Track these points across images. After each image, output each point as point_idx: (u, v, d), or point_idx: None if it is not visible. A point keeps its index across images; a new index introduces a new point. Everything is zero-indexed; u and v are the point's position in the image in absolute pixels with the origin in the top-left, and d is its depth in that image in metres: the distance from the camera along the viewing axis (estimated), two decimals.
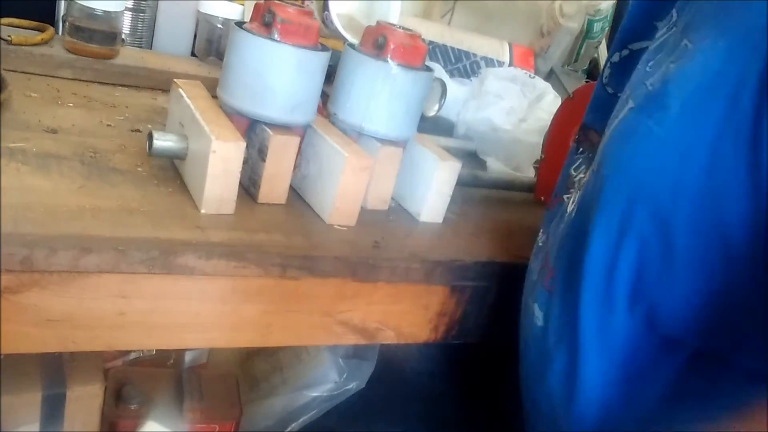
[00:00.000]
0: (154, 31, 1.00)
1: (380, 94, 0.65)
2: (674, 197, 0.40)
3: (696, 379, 0.42)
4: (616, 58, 0.58)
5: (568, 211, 0.54)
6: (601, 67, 1.30)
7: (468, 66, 1.20)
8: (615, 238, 0.43)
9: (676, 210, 0.40)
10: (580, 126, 0.62)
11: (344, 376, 0.94)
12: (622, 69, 0.56)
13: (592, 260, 0.45)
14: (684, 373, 0.43)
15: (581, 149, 0.60)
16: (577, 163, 0.59)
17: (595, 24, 1.28)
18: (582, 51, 1.32)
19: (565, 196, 0.58)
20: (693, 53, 0.41)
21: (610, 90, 0.59)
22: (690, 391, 0.42)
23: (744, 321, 0.39)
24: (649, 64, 0.46)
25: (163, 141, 0.59)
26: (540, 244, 0.59)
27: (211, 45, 1.00)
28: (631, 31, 0.57)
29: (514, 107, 1.00)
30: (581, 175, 0.57)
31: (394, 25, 0.66)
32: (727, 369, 0.40)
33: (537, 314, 0.54)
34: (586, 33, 1.29)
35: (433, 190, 0.68)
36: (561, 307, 0.50)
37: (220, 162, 0.55)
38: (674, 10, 0.48)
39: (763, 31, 0.37)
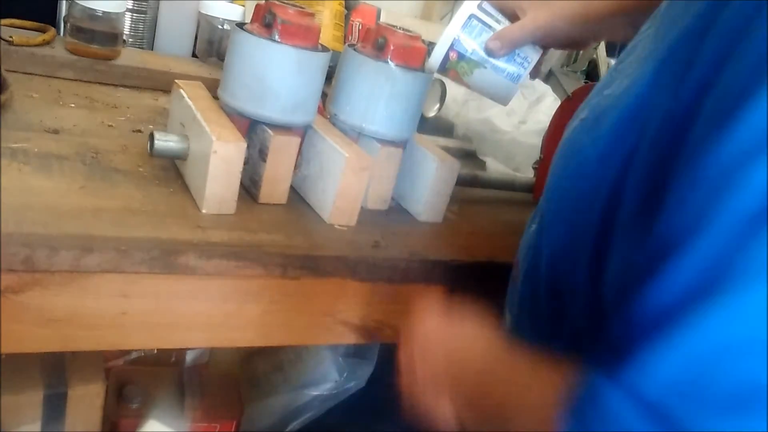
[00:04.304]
0: (155, 32, 1.00)
1: (380, 95, 0.65)
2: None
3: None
4: None
5: None
6: (600, 68, 1.31)
7: None
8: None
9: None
10: None
11: (344, 375, 0.94)
12: None
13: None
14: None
15: None
16: None
17: None
18: (581, 52, 1.32)
19: None
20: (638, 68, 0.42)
21: None
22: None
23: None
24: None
25: (165, 141, 0.59)
26: None
27: (212, 46, 1.00)
28: None
29: (514, 109, 1.00)
30: None
31: (394, 26, 0.66)
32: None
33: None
34: None
35: (432, 190, 0.69)
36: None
37: (221, 162, 0.56)
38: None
39: (678, 64, 0.36)
